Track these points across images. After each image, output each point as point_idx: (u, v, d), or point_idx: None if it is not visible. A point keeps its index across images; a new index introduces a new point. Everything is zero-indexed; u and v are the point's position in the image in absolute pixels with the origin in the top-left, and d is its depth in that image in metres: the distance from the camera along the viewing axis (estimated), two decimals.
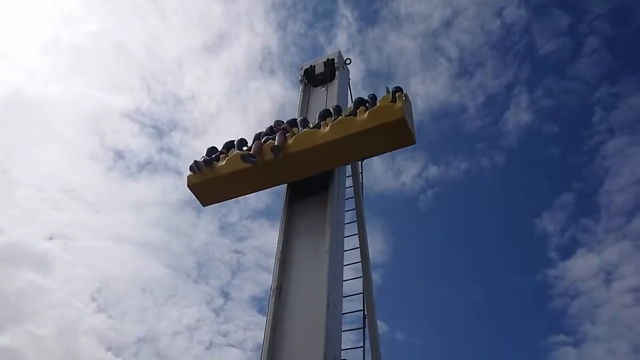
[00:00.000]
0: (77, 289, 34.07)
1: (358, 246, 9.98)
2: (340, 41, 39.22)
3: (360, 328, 9.05)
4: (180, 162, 39.38)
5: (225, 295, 35.99)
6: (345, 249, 9.15)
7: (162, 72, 40.75)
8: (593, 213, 36.10)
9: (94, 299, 33.66)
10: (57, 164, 38.49)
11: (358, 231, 10.05)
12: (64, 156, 39.80)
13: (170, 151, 41.79)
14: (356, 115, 8.63)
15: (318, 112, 9.49)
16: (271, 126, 9.69)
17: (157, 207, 39.34)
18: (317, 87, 12.28)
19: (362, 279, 9.74)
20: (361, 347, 8.64)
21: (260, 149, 8.87)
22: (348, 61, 12.71)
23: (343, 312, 8.30)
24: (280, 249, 8.50)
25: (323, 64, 12.29)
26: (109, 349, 31.96)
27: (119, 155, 39.88)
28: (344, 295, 8.55)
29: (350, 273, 9.51)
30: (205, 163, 9.23)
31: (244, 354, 32.87)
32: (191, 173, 9.37)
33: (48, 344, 29.04)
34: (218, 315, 35.36)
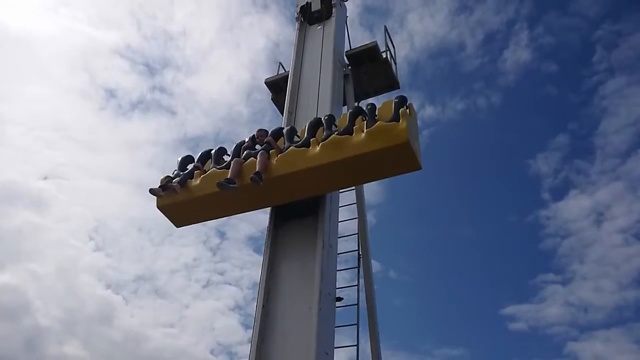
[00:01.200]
0: (75, 228, 34.43)
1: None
2: None
3: (355, 267, 9.10)
4: (173, 101, 38.59)
5: (222, 234, 36.72)
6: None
7: (152, 6, 37.85)
8: (588, 154, 34.82)
9: (91, 238, 34.32)
10: (47, 102, 36.71)
11: None
12: (54, 94, 37.87)
13: (162, 90, 40.38)
14: (351, 133, 7.36)
15: (307, 123, 8.14)
16: (253, 136, 8.37)
17: (151, 147, 38.39)
18: (314, 25, 11.24)
19: (357, 220, 9.60)
20: (355, 285, 8.73)
21: (239, 170, 7.65)
22: None
23: (338, 252, 8.25)
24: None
25: (320, 1, 11.20)
26: (108, 286, 32.84)
27: (111, 93, 38.71)
28: (339, 236, 8.50)
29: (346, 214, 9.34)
30: (180, 184, 8.05)
31: (240, 291, 34.43)
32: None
33: (48, 281, 29.97)
34: (214, 254, 36.75)
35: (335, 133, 7.56)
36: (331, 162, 7.34)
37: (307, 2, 11.22)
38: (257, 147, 8.17)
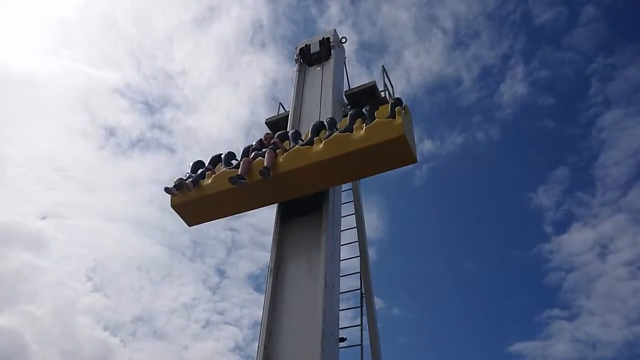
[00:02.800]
0: (73, 269, 34.24)
1: (355, 226, 9.99)
2: (333, 13, 38.10)
3: (358, 307, 9.02)
4: (173, 139, 38.93)
5: (221, 273, 36.62)
6: (342, 229, 8.97)
7: (152, 47, 39.12)
8: (588, 187, 35.37)
9: (89, 279, 33.66)
10: (47, 142, 37.37)
11: (355, 212, 10.15)
12: (54, 134, 38.66)
13: (162, 128, 40.61)
14: (352, 131, 8.04)
15: (311, 126, 8.83)
16: (261, 139, 9.06)
17: (150, 185, 38.17)
18: (313, 67, 11.81)
19: (359, 258, 9.67)
20: (359, 325, 8.68)
21: (249, 167, 8.25)
22: (344, 40, 12.29)
23: (341, 291, 8.26)
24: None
25: (318, 43, 11.85)
26: (106, 328, 31.98)
27: (110, 132, 38.87)
28: (341, 275, 8.47)
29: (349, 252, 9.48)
30: (193, 183, 8.58)
31: (240, 331, 33.23)
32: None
33: (45, 323, 29.43)
34: (214, 294, 35.85)
35: (337, 131, 8.25)
36: (333, 157, 7.95)
37: (306, 45, 11.91)
38: (264, 150, 8.76)
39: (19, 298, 29.46)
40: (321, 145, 8.11)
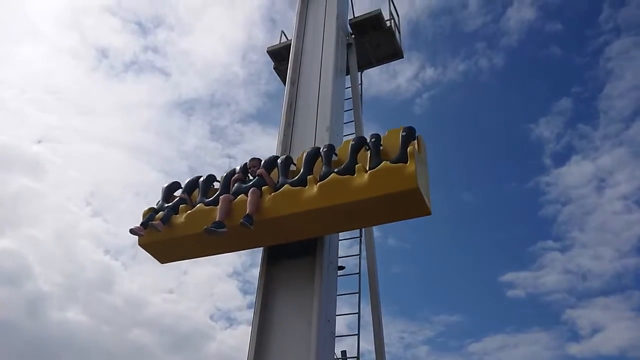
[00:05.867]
0: (71, 193, 34.02)
1: None
2: None
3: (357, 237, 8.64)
4: (167, 62, 36.75)
5: None
6: None
7: None
8: (591, 119, 32.71)
9: (88, 203, 33.94)
10: (38, 63, 35.17)
11: None
12: (45, 54, 36.37)
13: (155, 50, 38.21)
14: (353, 172, 6.52)
15: (305, 154, 7.25)
16: (245, 165, 7.55)
17: (146, 110, 36.83)
18: None
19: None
20: (357, 255, 8.45)
21: (228, 210, 6.87)
22: None
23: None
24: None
25: None
26: (106, 252, 33.06)
27: (102, 53, 36.08)
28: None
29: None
30: (163, 221, 7.29)
31: (239, 257, 34.72)
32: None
33: (48, 246, 29.61)
34: None
35: (335, 171, 6.70)
36: (328, 207, 6.54)
37: None
38: (250, 176, 7.44)
39: (20, 221, 29.54)
40: (315, 189, 6.63)
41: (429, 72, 34.63)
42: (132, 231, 7.34)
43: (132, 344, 29.31)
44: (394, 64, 12.06)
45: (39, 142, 35.04)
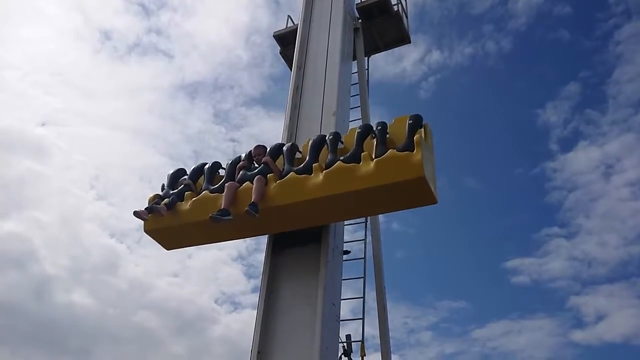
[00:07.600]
0: (76, 177, 33.78)
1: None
2: None
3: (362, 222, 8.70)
4: (171, 44, 36.34)
5: None
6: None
7: None
8: (599, 104, 31.96)
9: (92, 187, 33.79)
10: (42, 44, 35.07)
11: None
12: (48, 36, 36.38)
13: (159, 32, 38.07)
14: (359, 160, 6.47)
15: (310, 142, 7.18)
16: (250, 153, 7.48)
17: (149, 93, 36.66)
18: None
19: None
20: (362, 240, 8.53)
21: (233, 197, 6.83)
22: None
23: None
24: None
25: None
26: (112, 235, 33.26)
27: (106, 35, 35.84)
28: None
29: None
30: (168, 207, 7.26)
31: (243, 241, 32.82)
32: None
33: (53, 230, 29.71)
34: None
35: (341, 159, 6.66)
36: (335, 195, 6.50)
37: None
38: (255, 164, 7.37)
39: (25, 204, 29.72)
40: (321, 177, 6.58)
41: (435, 56, 34.26)
42: (136, 213, 7.32)
43: (137, 327, 29.69)
44: (400, 48, 11.95)
45: (43, 124, 35.05)
